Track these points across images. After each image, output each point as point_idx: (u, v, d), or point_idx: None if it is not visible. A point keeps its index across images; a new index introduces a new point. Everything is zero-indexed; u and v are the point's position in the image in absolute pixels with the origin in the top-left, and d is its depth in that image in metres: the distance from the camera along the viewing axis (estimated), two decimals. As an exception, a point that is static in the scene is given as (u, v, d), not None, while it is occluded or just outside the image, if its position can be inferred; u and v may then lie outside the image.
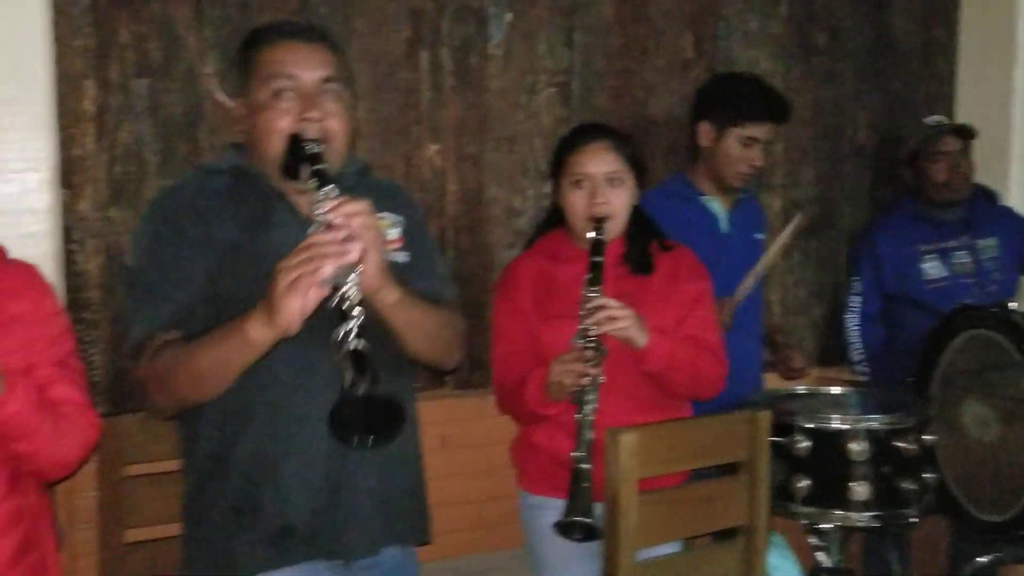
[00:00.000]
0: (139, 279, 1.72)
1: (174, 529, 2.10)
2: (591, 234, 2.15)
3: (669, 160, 2.89)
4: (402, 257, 1.82)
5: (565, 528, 2.00)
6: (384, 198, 1.82)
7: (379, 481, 1.75)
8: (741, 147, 2.62)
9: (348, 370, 1.41)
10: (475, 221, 2.66)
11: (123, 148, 2.23)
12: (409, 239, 1.85)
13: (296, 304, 1.45)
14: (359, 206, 1.54)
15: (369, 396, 1.40)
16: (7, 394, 1.47)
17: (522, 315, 2.23)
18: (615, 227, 2.21)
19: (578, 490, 1.99)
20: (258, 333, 1.52)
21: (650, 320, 2.13)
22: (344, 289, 1.47)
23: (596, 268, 2.10)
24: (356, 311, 1.46)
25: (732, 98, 2.65)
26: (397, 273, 1.71)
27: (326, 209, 1.52)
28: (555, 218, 2.32)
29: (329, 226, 1.50)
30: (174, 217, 1.71)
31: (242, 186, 1.75)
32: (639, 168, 2.26)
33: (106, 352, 2.22)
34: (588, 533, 1.98)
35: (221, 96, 2.31)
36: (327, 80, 1.72)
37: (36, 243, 2.07)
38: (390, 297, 1.62)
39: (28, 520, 1.63)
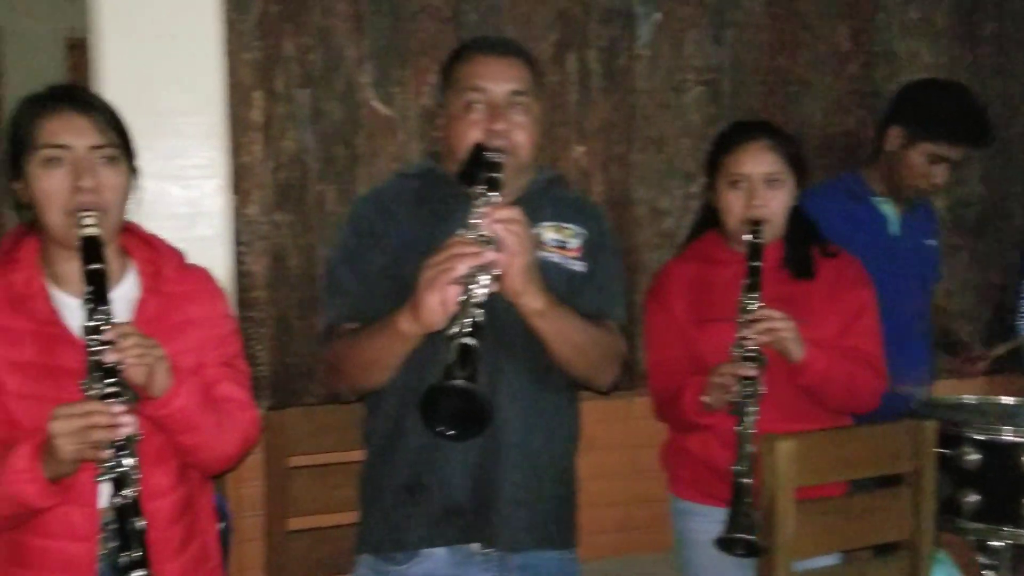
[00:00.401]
0: (330, 274, 1.89)
1: (334, 519, 2.20)
2: (748, 237, 2.07)
3: (823, 159, 2.80)
4: (579, 267, 1.86)
5: (727, 543, 1.94)
6: (571, 210, 1.91)
7: (524, 478, 1.80)
8: (927, 163, 2.47)
9: (452, 361, 1.48)
10: (621, 222, 2.65)
11: (287, 155, 2.34)
12: (588, 252, 1.89)
13: (434, 300, 1.56)
14: (509, 213, 1.61)
15: (463, 389, 1.47)
16: (175, 389, 1.55)
17: (675, 321, 2.19)
18: (773, 230, 2.12)
19: (740, 505, 1.93)
20: (406, 326, 1.63)
21: (811, 329, 2.05)
22: (473, 288, 1.54)
23: (755, 273, 2.02)
24: (476, 310, 1.53)
25: (934, 111, 2.48)
26: (569, 282, 1.80)
27: (478, 213, 1.61)
28: (708, 219, 2.27)
29: (478, 228, 1.59)
30: (365, 217, 1.86)
31: (430, 188, 1.87)
32: (799, 168, 2.17)
33: (271, 348, 2.34)
34: (750, 549, 1.92)
35: (377, 104, 2.40)
36: (516, 93, 1.80)
37: (209, 245, 2.20)
38: (535, 303, 1.68)
39: (193, 510, 1.71)
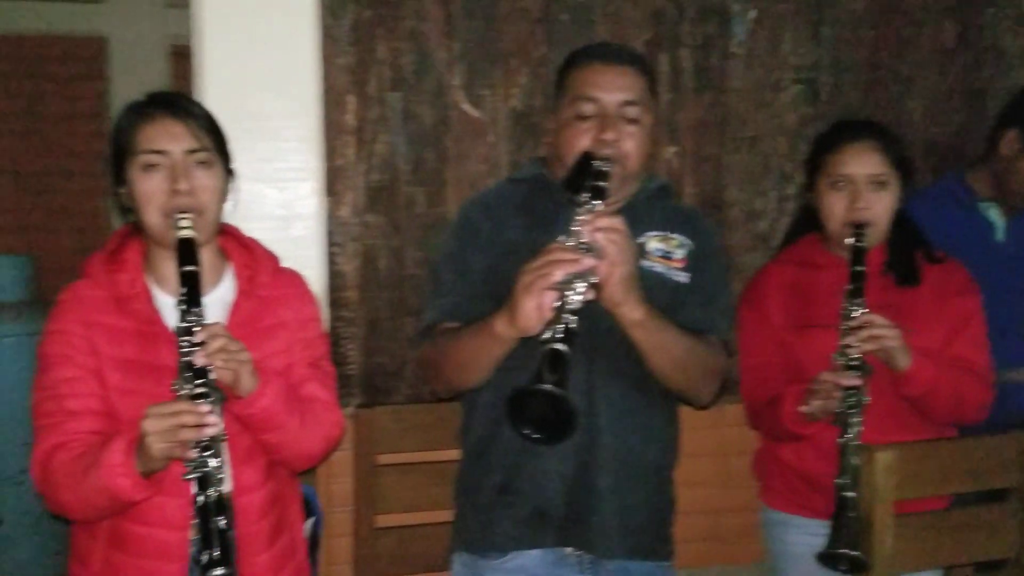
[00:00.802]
0: (434, 274, 1.93)
1: (422, 517, 2.23)
2: (851, 241, 2.00)
3: (927, 160, 2.69)
4: (683, 278, 1.85)
5: (830, 559, 1.88)
6: (678, 220, 1.90)
7: (618, 485, 1.80)
8: None
9: (543, 366, 1.48)
10: (715, 224, 2.60)
11: (379, 158, 2.38)
12: (694, 263, 1.88)
13: (530, 305, 1.57)
14: (611, 222, 1.61)
15: (550, 394, 1.46)
16: (261, 389, 1.60)
17: (771, 326, 2.13)
18: (877, 234, 2.05)
19: (844, 520, 1.87)
20: (502, 329, 1.65)
21: (916, 338, 1.97)
22: (567, 295, 1.54)
23: (858, 279, 1.95)
24: (570, 317, 1.53)
25: None
26: (673, 293, 1.80)
27: (579, 220, 1.61)
28: (807, 222, 2.20)
29: (578, 236, 1.59)
30: (473, 220, 1.89)
31: (537, 194, 1.89)
32: (905, 170, 2.08)
33: (361, 348, 2.38)
34: (854, 566, 1.85)
35: (467, 106, 2.41)
36: (628, 103, 1.80)
37: (303, 246, 2.24)
38: (634, 314, 1.67)
39: (280, 505, 1.76)
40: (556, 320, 1.53)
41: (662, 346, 1.73)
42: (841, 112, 2.60)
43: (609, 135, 1.77)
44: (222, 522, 1.48)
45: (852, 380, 1.88)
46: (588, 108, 1.79)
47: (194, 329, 1.53)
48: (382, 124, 2.37)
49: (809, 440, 2.04)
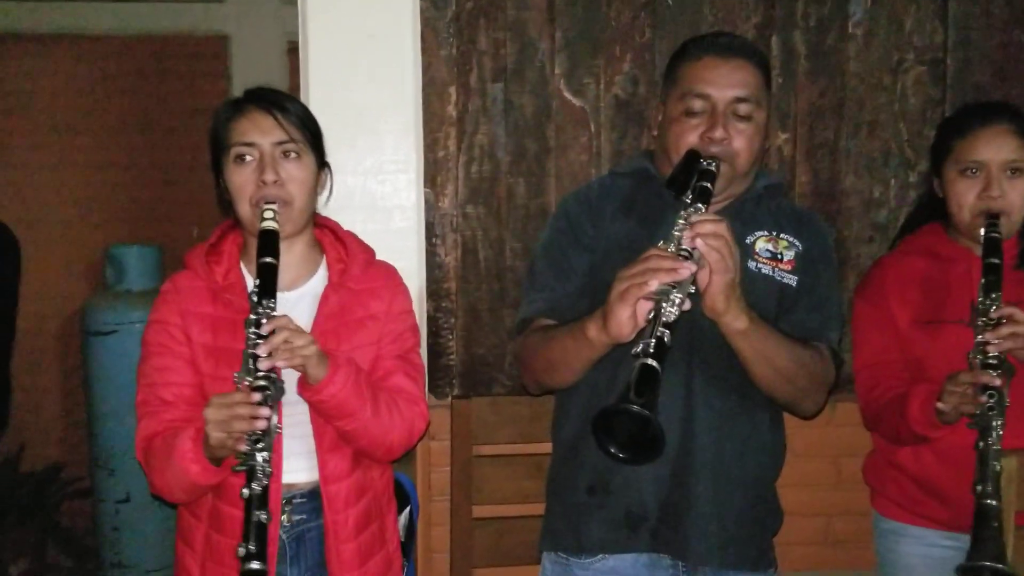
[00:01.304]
0: (533, 268, 1.89)
1: (517, 509, 2.22)
2: (984, 232, 1.88)
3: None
4: (791, 280, 1.79)
5: (972, 572, 1.72)
6: (790, 221, 1.83)
7: (714, 492, 1.74)
8: None
9: (631, 383, 1.42)
10: (829, 214, 2.48)
11: (479, 149, 2.37)
12: (803, 266, 1.80)
13: (624, 313, 1.52)
14: (714, 228, 1.54)
15: (637, 414, 1.40)
16: (330, 377, 1.62)
17: (891, 321, 2.02)
18: (1011, 224, 1.92)
19: (986, 530, 1.72)
20: (594, 334, 1.60)
21: None
22: (662, 306, 1.48)
23: (994, 272, 1.82)
24: (661, 331, 1.46)
25: None
26: (780, 296, 1.73)
27: (681, 224, 1.55)
28: (929, 210, 2.08)
29: (678, 242, 1.53)
30: (573, 215, 1.85)
31: (641, 188, 1.84)
32: None
33: (461, 339, 2.38)
34: None
35: (569, 96, 2.38)
36: (739, 100, 1.73)
37: (404, 237, 2.26)
38: (736, 323, 1.60)
39: (370, 495, 1.78)
40: (649, 332, 1.47)
41: (766, 356, 1.66)
42: (969, 95, 2.44)
43: (718, 133, 1.70)
44: (263, 516, 1.50)
45: (993, 380, 1.75)
46: (698, 104, 1.73)
47: (262, 321, 1.55)
48: (483, 115, 2.36)
49: (930, 444, 1.92)
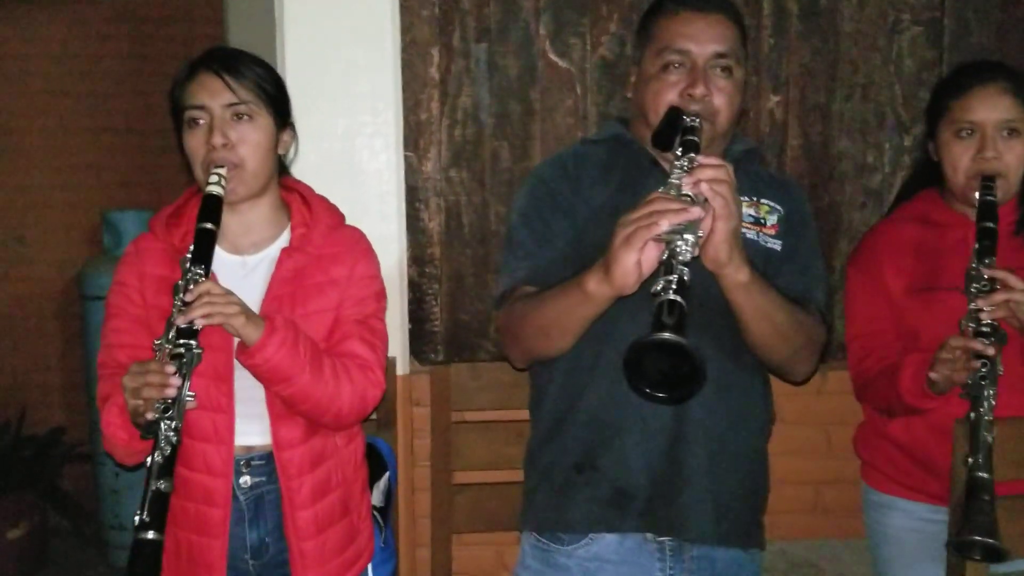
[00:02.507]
0: (511, 236, 1.83)
1: (497, 475, 2.21)
2: (979, 195, 1.82)
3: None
4: (775, 245, 1.75)
5: (962, 547, 1.69)
6: (769, 186, 1.79)
7: (708, 464, 1.69)
8: None
9: (660, 316, 1.35)
10: (821, 178, 2.44)
11: (463, 112, 2.33)
12: (786, 230, 1.76)
13: (630, 259, 1.45)
14: (716, 172, 1.48)
15: (671, 343, 1.32)
16: (264, 340, 1.59)
17: (884, 290, 1.97)
18: (1008, 187, 1.87)
19: (978, 504, 1.67)
20: (595, 287, 1.52)
21: None
22: (676, 245, 1.41)
23: (988, 236, 1.77)
24: (681, 268, 1.39)
25: None
26: (766, 261, 1.68)
27: (681, 173, 1.49)
28: (925, 175, 2.02)
29: (678, 188, 1.47)
30: (549, 182, 1.79)
31: (618, 155, 1.79)
32: None
33: (445, 305, 2.36)
34: (990, 554, 1.65)
35: (554, 57, 2.33)
36: (719, 56, 1.68)
37: (383, 201, 2.23)
38: (739, 275, 1.55)
39: (331, 463, 1.75)
40: (667, 271, 1.40)
41: (765, 311, 1.60)
42: (967, 57, 2.37)
43: (699, 90, 1.65)
44: (162, 485, 1.48)
45: (986, 348, 1.70)
46: (676, 60, 1.67)
47: (190, 287, 1.53)
48: (467, 76, 2.32)
49: (921, 415, 1.88)
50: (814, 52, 2.40)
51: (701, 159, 1.50)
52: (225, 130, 1.65)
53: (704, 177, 1.46)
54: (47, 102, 4.43)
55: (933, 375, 1.77)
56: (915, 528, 1.97)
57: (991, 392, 1.70)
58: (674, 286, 1.37)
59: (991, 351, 1.70)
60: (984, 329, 1.72)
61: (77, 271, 4.07)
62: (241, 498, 1.69)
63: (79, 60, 4.41)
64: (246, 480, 1.69)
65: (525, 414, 2.03)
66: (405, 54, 2.27)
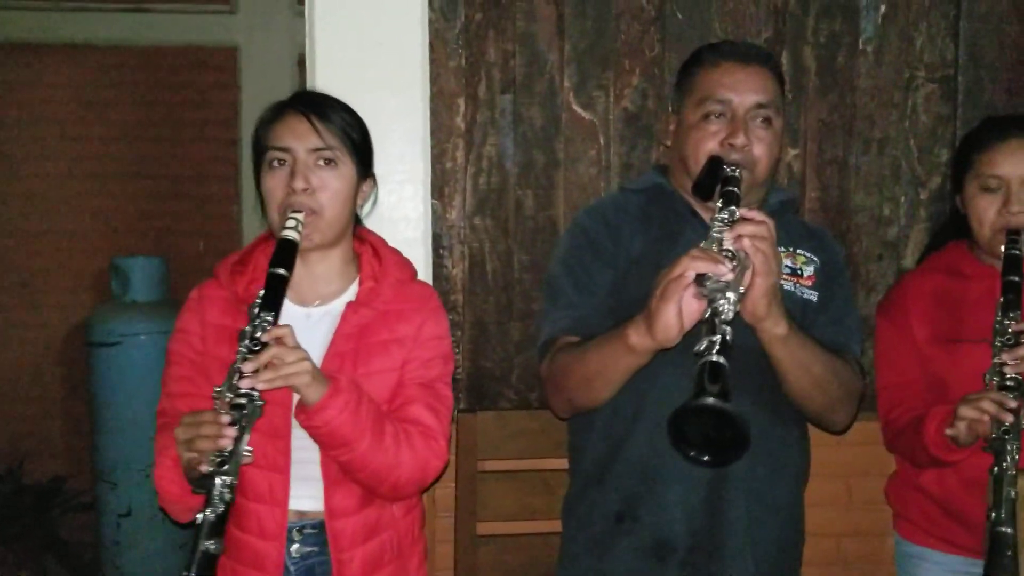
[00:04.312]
0: (552, 285, 1.82)
1: (522, 526, 2.19)
2: (1005, 248, 1.85)
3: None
4: (812, 296, 1.76)
5: None
6: (805, 237, 1.81)
7: (748, 515, 1.69)
8: None
9: (702, 379, 1.36)
10: (838, 231, 2.46)
11: (488, 160, 2.36)
12: (822, 281, 1.78)
13: (670, 312, 1.45)
14: (758, 228, 1.49)
15: (715, 409, 1.33)
16: (325, 401, 1.50)
17: (912, 340, 1.98)
18: None
19: (1000, 560, 1.68)
20: (637, 339, 1.53)
21: None
22: (717, 303, 1.42)
23: (1013, 290, 1.79)
24: (724, 328, 1.40)
25: None
26: (803, 312, 1.70)
27: (722, 227, 1.50)
28: (953, 228, 2.05)
29: (720, 243, 1.48)
30: (590, 231, 1.80)
31: (657, 204, 1.80)
32: None
33: (467, 352, 2.36)
34: None
35: (578, 108, 2.37)
36: (760, 106, 1.71)
37: (410, 248, 2.21)
38: (777, 329, 1.56)
39: (388, 533, 1.67)
40: (709, 331, 1.41)
41: (803, 364, 1.61)
42: (980, 113, 2.42)
43: (739, 140, 1.68)
44: (212, 545, 1.40)
45: (1009, 402, 1.71)
46: (717, 110, 1.70)
47: (257, 335, 1.47)
48: (492, 127, 2.35)
49: (954, 467, 1.88)
50: (831, 107, 2.44)
51: (743, 212, 1.51)
52: (307, 174, 1.61)
53: (746, 232, 1.48)
54: (57, 147, 4.47)
55: (950, 431, 1.78)
56: None
57: (1015, 446, 1.71)
58: (717, 346, 1.38)
59: (1014, 404, 1.71)
60: (1008, 383, 1.73)
61: (83, 318, 4.06)
62: (292, 568, 1.60)
63: (92, 106, 4.46)
64: (297, 548, 1.60)
65: (552, 463, 2.02)
66: (432, 103, 2.30)
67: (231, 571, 1.60)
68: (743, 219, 1.50)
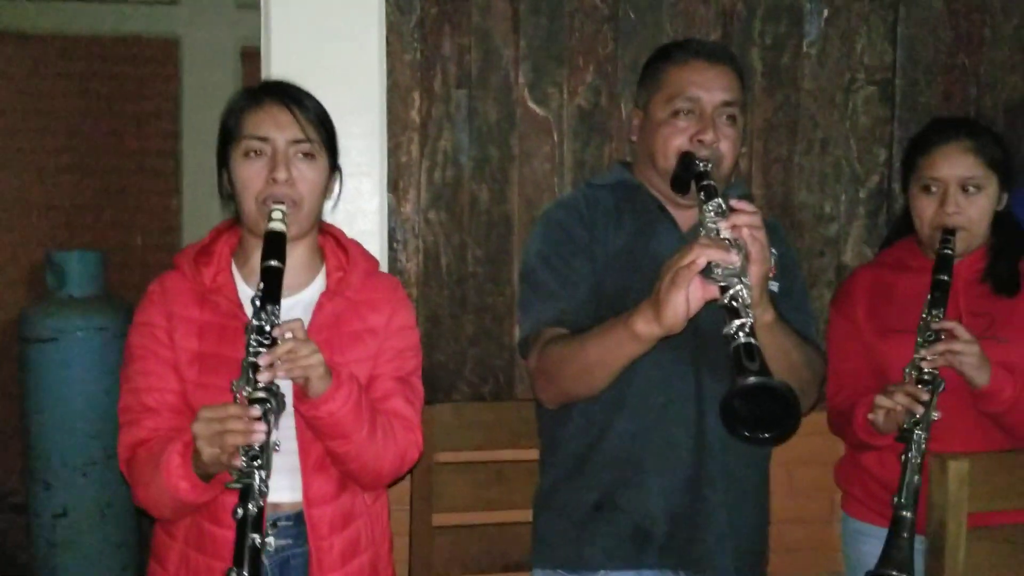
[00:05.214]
0: (531, 279, 1.84)
1: (477, 517, 2.20)
2: (938, 248, 1.93)
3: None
4: (774, 286, 1.81)
5: None
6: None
7: (726, 502, 1.74)
8: None
9: (741, 361, 1.38)
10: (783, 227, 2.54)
11: (442, 155, 2.37)
12: (781, 271, 1.84)
13: (679, 298, 1.48)
14: (752, 218, 1.52)
15: (761, 385, 1.36)
16: (330, 393, 1.52)
17: (857, 330, 2.07)
18: (972, 240, 1.97)
19: (897, 541, 1.78)
20: (644, 327, 1.55)
21: (1009, 350, 1.90)
22: (735, 289, 1.45)
23: (940, 288, 1.87)
24: (748, 311, 1.43)
25: None
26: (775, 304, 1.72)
27: (716, 217, 1.53)
28: (906, 224, 2.12)
29: (718, 232, 1.51)
30: (565, 225, 1.82)
31: (626, 200, 1.83)
32: (1004, 172, 1.98)
33: (422, 345, 2.35)
34: None
35: (532, 104, 2.39)
36: (727, 104, 1.76)
37: (364, 242, 2.21)
38: (765, 316, 1.60)
39: (361, 521, 1.68)
40: (733, 315, 1.43)
41: (785, 350, 1.66)
42: (917, 115, 2.53)
43: (708, 136, 1.72)
44: (258, 539, 1.40)
45: (921, 394, 1.80)
46: (686, 107, 1.74)
47: (266, 328, 1.45)
48: (447, 121, 2.36)
49: (893, 448, 1.96)
50: (776, 107, 2.52)
51: (735, 204, 1.55)
52: (288, 166, 1.59)
53: (742, 222, 1.51)
54: (-8, 139, 4.34)
55: (871, 416, 1.86)
56: None
57: (923, 436, 1.80)
58: (747, 328, 1.41)
59: (925, 397, 1.80)
60: (925, 377, 1.82)
61: (17, 313, 3.94)
62: (266, 562, 1.54)
63: (27, 97, 4.34)
64: (270, 541, 1.54)
65: (506, 454, 2.05)
66: (387, 97, 2.30)
67: (206, 568, 1.58)
68: (736, 209, 1.53)
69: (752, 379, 1.36)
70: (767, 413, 1.39)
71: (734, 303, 1.43)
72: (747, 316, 1.42)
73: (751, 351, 1.38)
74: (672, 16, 2.44)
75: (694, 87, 1.75)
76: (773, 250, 1.83)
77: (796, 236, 2.55)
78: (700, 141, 1.72)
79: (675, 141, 1.74)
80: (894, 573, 1.76)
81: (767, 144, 2.52)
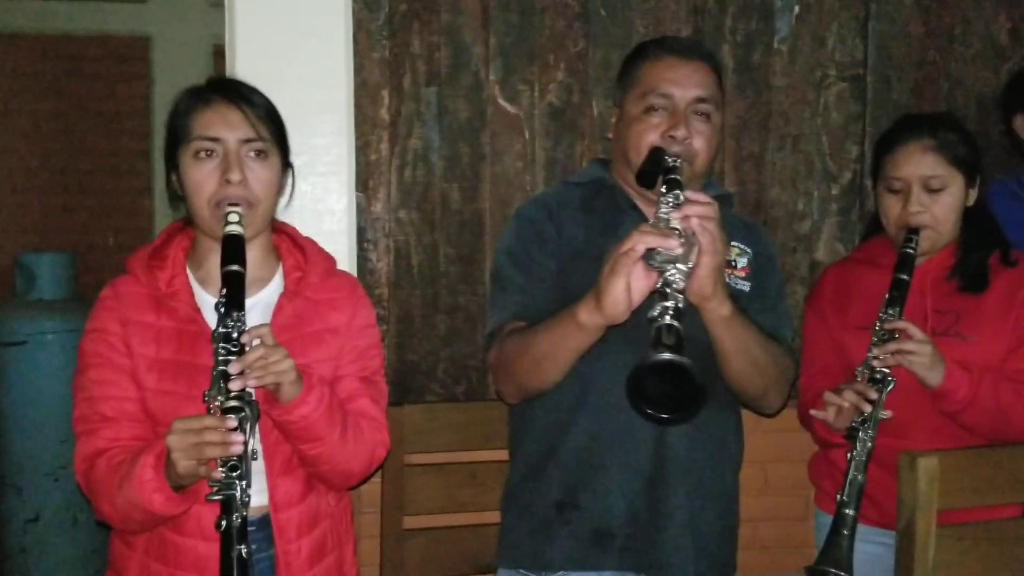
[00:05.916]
0: (499, 274, 1.84)
1: (449, 519, 2.18)
2: (901, 247, 1.93)
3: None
4: (745, 286, 1.81)
5: (815, 575, 1.81)
6: (738, 230, 1.85)
7: (689, 502, 1.73)
8: None
9: (660, 338, 1.38)
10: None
11: (413, 153, 2.35)
12: (755, 272, 1.83)
13: (619, 286, 1.47)
14: (704, 208, 1.52)
15: (670, 363, 1.35)
16: (302, 396, 1.50)
17: (828, 327, 2.07)
18: (936, 238, 1.97)
19: (837, 539, 1.80)
20: (586, 316, 1.55)
21: (974, 347, 1.90)
22: (668, 274, 1.45)
23: (898, 287, 1.87)
24: (676, 295, 1.43)
25: None
26: (737, 302, 1.71)
27: (670, 208, 1.53)
28: (879, 222, 2.12)
29: (667, 222, 1.51)
30: (535, 222, 1.82)
31: (599, 197, 1.83)
32: (970, 169, 1.98)
33: (393, 345, 2.35)
34: None
35: (503, 102, 2.38)
36: (700, 100, 1.75)
37: (333, 241, 2.21)
38: (722, 309, 1.59)
39: (326, 523, 1.67)
40: (663, 298, 1.44)
41: (745, 346, 1.66)
42: (888, 111, 2.53)
43: (680, 132, 1.72)
44: (243, 550, 1.39)
45: (870, 393, 1.80)
46: (660, 103, 1.74)
47: (233, 335, 1.43)
48: (417, 119, 2.34)
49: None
50: (748, 105, 2.51)
51: (689, 194, 1.54)
52: (241, 166, 1.56)
53: (692, 212, 1.51)
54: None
55: (820, 415, 1.86)
56: (857, 549, 2.03)
57: (868, 435, 1.81)
58: (671, 312, 1.41)
59: (873, 396, 1.80)
60: (876, 376, 1.82)
61: (-15, 316, 3.89)
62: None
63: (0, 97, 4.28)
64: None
65: (479, 455, 2.03)
66: (356, 95, 2.28)
67: None
68: (689, 200, 1.53)
69: (665, 355, 1.35)
70: (678, 395, 1.39)
71: (666, 288, 1.44)
72: (675, 300, 1.42)
73: (672, 330, 1.38)
74: (643, 13, 2.43)
75: (667, 83, 1.74)
76: (746, 248, 1.83)
77: (770, 233, 2.54)
78: (672, 137, 1.71)
79: (647, 137, 1.73)
80: (832, 570, 1.77)
81: (739, 141, 2.52)
